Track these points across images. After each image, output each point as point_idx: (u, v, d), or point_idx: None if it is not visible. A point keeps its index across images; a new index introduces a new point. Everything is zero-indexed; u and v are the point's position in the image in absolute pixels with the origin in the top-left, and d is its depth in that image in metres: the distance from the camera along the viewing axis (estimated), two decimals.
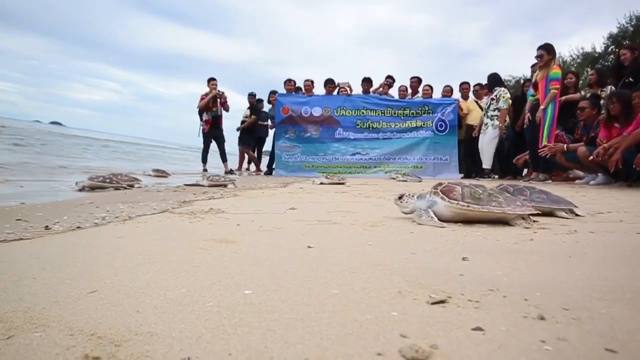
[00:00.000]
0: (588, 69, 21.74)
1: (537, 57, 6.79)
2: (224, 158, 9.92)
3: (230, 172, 9.45)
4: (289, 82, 9.68)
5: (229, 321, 0.75)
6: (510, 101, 7.86)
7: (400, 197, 2.21)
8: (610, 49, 22.93)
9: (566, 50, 25.68)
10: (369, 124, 9.41)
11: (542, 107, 6.58)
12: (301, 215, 2.33)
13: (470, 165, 8.78)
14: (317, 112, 9.51)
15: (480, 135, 8.15)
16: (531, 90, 7.06)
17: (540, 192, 2.42)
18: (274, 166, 9.74)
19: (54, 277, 1.06)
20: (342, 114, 9.49)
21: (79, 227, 1.88)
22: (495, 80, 8.15)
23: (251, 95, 10.81)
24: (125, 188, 4.33)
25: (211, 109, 9.48)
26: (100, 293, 0.93)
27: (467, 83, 9.21)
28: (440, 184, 2.11)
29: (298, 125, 9.51)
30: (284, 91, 9.75)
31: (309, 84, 9.62)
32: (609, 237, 1.63)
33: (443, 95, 9.24)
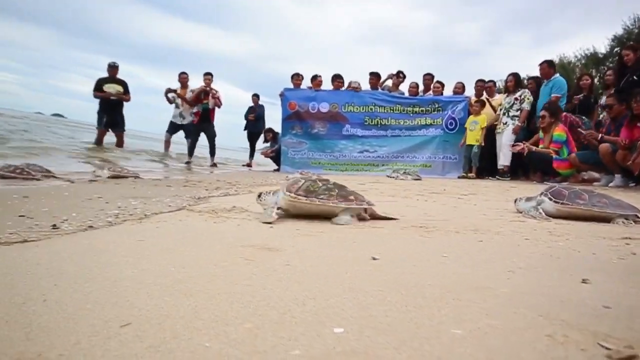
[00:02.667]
0: (593, 70, 21.57)
1: (540, 116, 6.77)
2: (211, 152, 9.66)
3: (213, 165, 9.27)
4: (297, 77, 9.39)
5: None
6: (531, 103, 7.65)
7: (259, 195, 2.13)
8: (615, 50, 22.75)
9: (571, 51, 25.53)
10: (377, 121, 9.12)
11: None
12: None
13: (485, 164, 8.50)
14: (324, 108, 9.22)
15: (499, 134, 7.91)
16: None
17: (600, 196, 2.18)
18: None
19: (70, 299, 0.81)
20: (350, 110, 9.20)
21: (91, 227, 1.62)
22: (520, 80, 8.02)
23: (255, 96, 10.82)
24: (37, 179, 3.85)
25: (202, 101, 9.25)
26: (136, 327, 0.68)
27: (482, 80, 8.93)
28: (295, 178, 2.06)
29: (305, 121, 9.22)
30: (291, 86, 9.46)
31: (320, 81, 9.37)
32: None
33: (454, 93, 8.97)
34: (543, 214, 2.15)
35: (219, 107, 9.60)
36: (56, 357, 0.58)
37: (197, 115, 9.30)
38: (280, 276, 1.00)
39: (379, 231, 1.68)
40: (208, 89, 9.28)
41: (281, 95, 9.28)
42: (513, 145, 7.16)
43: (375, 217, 2.02)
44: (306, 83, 9.50)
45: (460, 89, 8.91)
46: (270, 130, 10.29)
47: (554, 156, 6.58)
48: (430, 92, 9.13)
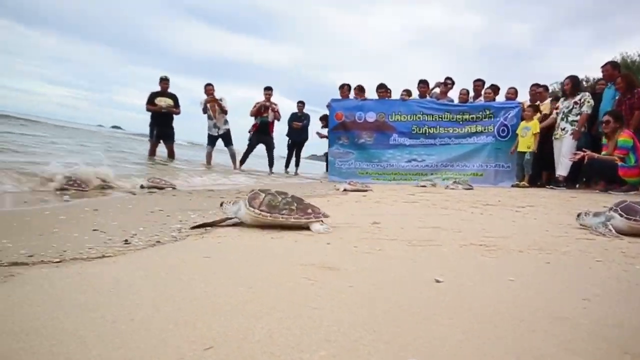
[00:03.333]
0: None
1: (603, 121, 6.40)
2: (270, 163, 9.99)
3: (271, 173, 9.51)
4: (344, 88, 9.45)
5: None
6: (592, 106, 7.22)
7: (221, 204, 2.31)
8: None
9: (634, 49, 23.74)
10: (425, 130, 8.97)
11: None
12: (392, 233, 2.07)
13: (538, 173, 8.11)
14: (371, 117, 9.20)
15: (556, 140, 7.52)
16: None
17: None
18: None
19: (153, 318, 0.86)
20: (398, 119, 9.12)
21: (158, 242, 1.72)
22: (578, 83, 7.62)
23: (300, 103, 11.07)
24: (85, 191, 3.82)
25: (262, 114, 9.52)
26: (218, 351, 0.72)
27: (537, 85, 8.54)
28: (252, 190, 2.20)
29: (352, 131, 9.25)
30: (339, 95, 9.52)
31: (362, 88, 9.39)
32: None
33: (507, 98, 8.66)
34: (613, 231, 2.02)
35: (278, 120, 9.89)
36: None
37: (254, 127, 9.63)
38: (345, 299, 1.02)
39: (438, 250, 1.65)
40: (268, 103, 9.54)
41: (328, 106, 9.37)
42: (572, 155, 6.78)
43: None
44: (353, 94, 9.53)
45: (512, 94, 8.60)
46: (326, 117, 10.42)
47: (620, 163, 6.17)
48: (481, 98, 8.87)
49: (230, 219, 2.17)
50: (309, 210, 2.13)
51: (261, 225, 2.10)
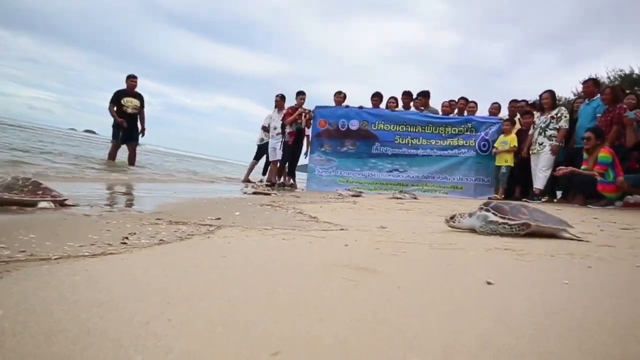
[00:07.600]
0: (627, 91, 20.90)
1: (584, 137, 6.42)
2: (291, 172, 9.49)
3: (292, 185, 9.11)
4: (338, 94, 9.25)
5: None
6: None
7: None
8: None
9: (603, 71, 24.45)
10: (408, 140, 8.98)
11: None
12: (406, 236, 1.97)
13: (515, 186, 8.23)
14: (354, 125, 9.15)
15: (534, 155, 7.62)
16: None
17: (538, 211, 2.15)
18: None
19: (193, 320, 0.73)
20: (381, 128, 9.09)
21: (162, 241, 1.56)
22: (555, 98, 7.76)
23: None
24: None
25: (296, 120, 9.09)
26: (287, 357, 0.60)
27: (516, 100, 8.73)
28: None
29: (334, 138, 9.16)
30: (334, 103, 9.36)
31: (343, 97, 9.35)
32: None
33: (490, 114, 8.80)
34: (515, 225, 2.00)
35: (308, 127, 9.31)
36: None
37: (292, 135, 9.07)
38: (402, 302, 0.91)
39: (465, 253, 1.57)
40: (306, 110, 9.08)
41: (312, 112, 9.27)
42: (557, 170, 6.84)
43: (63, 205, 2.44)
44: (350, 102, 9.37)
45: (496, 109, 8.74)
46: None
47: (599, 179, 6.31)
48: (465, 113, 8.94)
49: None
50: (39, 192, 2.37)
51: None
